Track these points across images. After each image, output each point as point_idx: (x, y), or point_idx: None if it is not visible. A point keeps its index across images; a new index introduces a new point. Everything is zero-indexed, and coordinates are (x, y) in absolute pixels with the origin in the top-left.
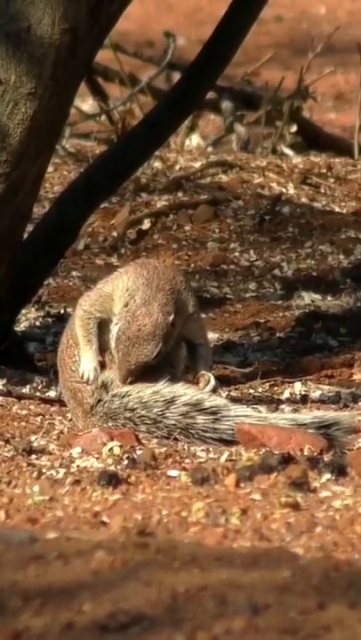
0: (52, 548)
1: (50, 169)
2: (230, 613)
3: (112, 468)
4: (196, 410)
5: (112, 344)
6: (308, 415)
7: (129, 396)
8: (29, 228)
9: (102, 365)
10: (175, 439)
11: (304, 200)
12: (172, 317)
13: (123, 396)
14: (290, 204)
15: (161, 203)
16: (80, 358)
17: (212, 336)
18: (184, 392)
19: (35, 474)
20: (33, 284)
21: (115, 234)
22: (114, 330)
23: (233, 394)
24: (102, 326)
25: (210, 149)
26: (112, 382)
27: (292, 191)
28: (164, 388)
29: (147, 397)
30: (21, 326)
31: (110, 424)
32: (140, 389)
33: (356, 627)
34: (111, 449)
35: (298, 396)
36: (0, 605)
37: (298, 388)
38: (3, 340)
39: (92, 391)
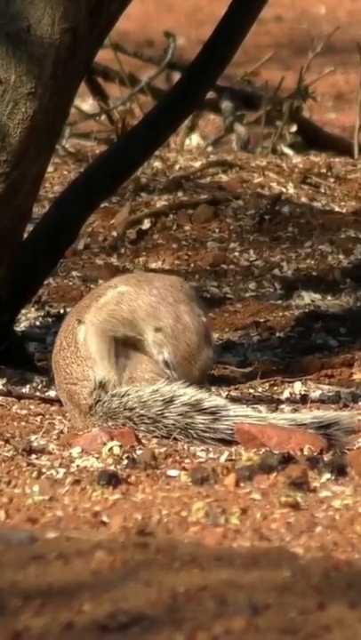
0: (51, 548)
1: (50, 169)
2: (230, 613)
3: (112, 467)
4: (195, 410)
5: (166, 370)
6: (307, 415)
7: (128, 395)
8: (29, 227)
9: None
10: (175, 439)
11: (304, 200)
12: (204, 319)
13: (122, 396)
14: (290, 204)
15: (161, 202)
16: (97, 371)
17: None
18: (183, 392)
19: (34, 474)
20: (33, 283)
21: (115, 234)
22: (159, 357)
23: (233, 394)
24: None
25: (210, 149)
26: (110, 382)
27: (291, 191)
28: (163, 387)
29: (146, 397)
30: (21, 326)
31: (110, 423)
32: (139, 389)
33: (356, 627)
34: (111, 449)
35: (298, 396)
36: (0, 605)
37: (298, 387)
38: (3, 340)
39: (91, 391)
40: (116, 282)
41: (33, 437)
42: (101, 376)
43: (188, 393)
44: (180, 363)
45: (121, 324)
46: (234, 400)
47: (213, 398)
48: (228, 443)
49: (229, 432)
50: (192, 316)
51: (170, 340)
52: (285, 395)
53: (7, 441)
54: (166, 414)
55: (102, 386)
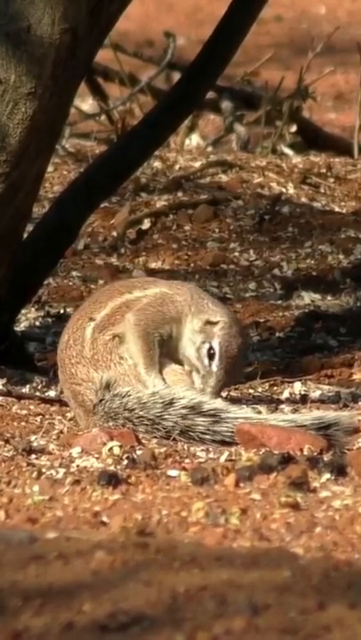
0: (51, 548)
1: (50, 169)
2: (230, 613)
3: (112, 467)
4: (195, 412)
5: (204, 360)
6: (307, 416)
7: (129, 396)
8: (29, 227)
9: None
10: (175, 439)
11: (304, 200)
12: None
13: (123, 396)
14: (290, 204)
15: (161, 202)
16: (146, 376)
17: None
18: (183, 394)
19: (34, 474)
20: (33, 284)
21: (114, 234)
22: (204, 347)
23: (233, 394)
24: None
25: (210, 149)
26: (115, 382)
27: (291, 191)
28: (163, 390)
29: (146, 398)
30: (21, 326)
31: (110, 423)
32: (140, 390)
33: (356, 627)
34: (111, 449)
35: (298, 396)
36: (0, 605)
37: (298, 387)
38: (3, 340)
39: (96, 391)
40: (142, 284)
41: (33, 437)
42: (108, 377)
43: (188, 396)
44: (226, 359)
45: (167, 323)
46: (234, 401)
47: (213, 401)
48: (228, 444)
49: (229, 434)
50: (240, 330)
51: (225, 335)
52: (285, 395)
53: (7, 441)
54: (166, 416)
55: (107, 386)
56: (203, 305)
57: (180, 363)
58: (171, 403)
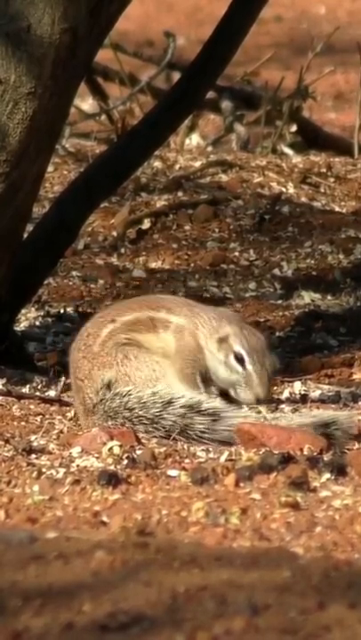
0: (51, 548)
1: (50, 169)
2: (230, 613)
3: (112, 467)
4: (194, 411)
5: (237, 368)
6: (306, 415)
7: (129, 395)
8: (29, 227)
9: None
10: (174, 439)
11: (304, 199)
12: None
13: (123, 396)
14: (290, 204)
15: (161, 202)
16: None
17: None
18: (182, 394)
19: (34, 473)
20: (33, 283)
21: (114, 233)
22: (230, 359)
23: None
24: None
25: (210, 149)
26: (115, 382)
27: (291, 191)
28: (162, 390)
29: (146, 398)
30: (21, 326)
31: (110, 423)
32: (140, 390)
33: (356, 627)
34: (111, 448)
35: (298, 396)
36: (0, 605)
37: (298, 387)
38: (3, 340)
39: (97, 390)
40: (170, 306)
41: (33, 437)
42: (110, 376)
43: (187, 395)
44: (256, 354)
45: (197, 355)
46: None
47: (212, 400)
48: (227, 444)
49: (228, 433)
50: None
51: (242, 336)
52: (285, 394)
53: (7, 441)
54: (165, 415)
55: (108, 386)
56: (205, 325)
57: (225, 392)
58: (170, 402)
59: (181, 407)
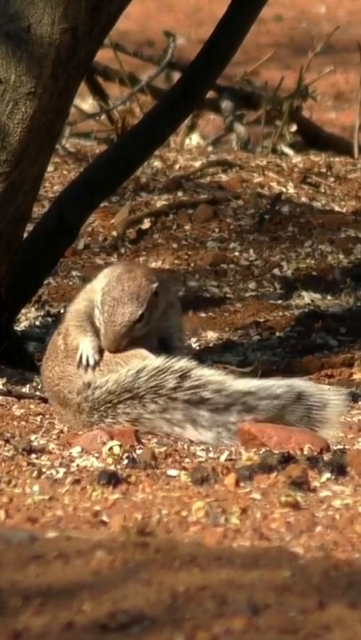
0: (51, 548)
1: (50, 169)
2: (230, 613)
3: (112, 467)
4: (164, 372)
5: (97, 312)
6: (278, 382)
7: (108, 382)
8: (29, 227)
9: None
10: (168, 435)
11: (304, 199)
12: (155, 285)
13: (103, 386)
14: (290, 204)
15: (161, 202)
16: (79, 345)
17: (211, 335)
18: (154, 360)
19: (35, 473)
20: (33, 283)
21: (114, 233)
22: (98, 297)
23: None
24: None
25: (210, 149)
26: (96, 381)
27: (291, 190)
28: (136, 364)
29: (123, 375)
30: (21, 326)
31: (96, 416)
32: (117, 375)
33: (356, 627)
34: (111, 448)
35: None
36: (0, 605)
37: None
38: (2, 340)
39: (79, 391)
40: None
41: (33, 437)
42: (88, 378)
43: (159, 361)
44: (109, 302)
45: (87, 295)
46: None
47: (183, 362)
48: (197, 404)
49: (199, 391)
50: (145, 275)
51: (112, 281)
52: None
53: (7, 441)
54: (138, 381)
55: (88, 385)
56: (117, 265)
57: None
58: (142, 369)
59: (153, 369)
